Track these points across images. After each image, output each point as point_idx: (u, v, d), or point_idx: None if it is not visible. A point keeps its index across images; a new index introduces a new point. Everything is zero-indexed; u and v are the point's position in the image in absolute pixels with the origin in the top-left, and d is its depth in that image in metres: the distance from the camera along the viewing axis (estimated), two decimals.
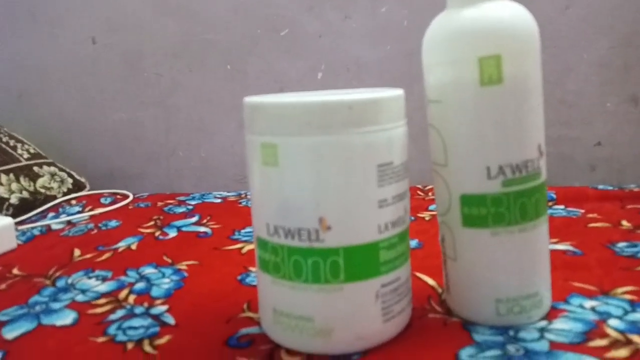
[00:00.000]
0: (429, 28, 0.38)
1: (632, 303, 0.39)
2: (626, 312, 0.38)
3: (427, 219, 0.63)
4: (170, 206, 0.77)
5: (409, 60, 0.86)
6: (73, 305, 0.45)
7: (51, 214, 0.76)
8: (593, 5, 0.77)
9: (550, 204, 0.65)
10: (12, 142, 0.89)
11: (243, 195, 0.82)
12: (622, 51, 0.77)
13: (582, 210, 0.62)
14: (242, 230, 0.63)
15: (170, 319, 0.41)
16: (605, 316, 0.38)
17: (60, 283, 0.50)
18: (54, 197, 0.83)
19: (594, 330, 0.36)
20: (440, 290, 0.44)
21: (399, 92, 0.36)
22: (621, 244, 0.51)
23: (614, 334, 0.35)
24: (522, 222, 0.36)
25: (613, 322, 0.37)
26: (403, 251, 0.37)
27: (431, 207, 0.68)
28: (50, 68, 1.03)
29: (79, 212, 0.76)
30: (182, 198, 0.82)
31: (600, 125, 0.80)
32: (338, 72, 0.90)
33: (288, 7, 0.90)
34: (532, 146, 0.36)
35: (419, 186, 0.79)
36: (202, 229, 0.65)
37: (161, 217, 0.71)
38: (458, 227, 0.38)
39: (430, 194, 0.74)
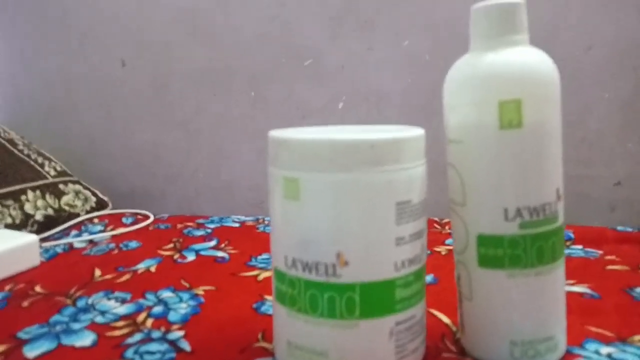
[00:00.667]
0: (451, 69, 0.39)
1: None
2: None
3: (443, 253, 0.63)
4: (189, 229, 0.78)
5: (429, 93, 0.87)
6: (92, 326, 0.46)
7: (74, 232, 0.78)
8: (616, 46, 0.77)
9: (568, 243, 0.65)
10: (40, 160, 0.91)
11: (261, 220, 0.83)
12: None
13: (601, 252, 0.61)
14: (259, 257, 0.64)
15: (186, 345, 0.42)
16: None
17: (81, 303, 0.51)
18: (77, 215, 0.85)
19: None
20: (454, 329, 0.44)
21: (419, 131, 0.37)
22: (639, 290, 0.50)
23: None
24: (539, 265, 0.37)
25: None
26: (419, 289, 0.37)
27: (448, 241, 0.68)
28: (79, 86, 1.07)
29: (101, 231, 0.78)
30: (201, 221, 0.83)
31: (621, 165, 0.79)
32: (359, 102, 0.91)
33: (313, 37, 0.92)
34: (551, 190, 0.37)
35: (436, 219, 0.79)
36: (220, 253, 0.66)
37: (180, 240, 0.72)
38: (474, 267, 0.38)
39: (447, 227, 0.74)
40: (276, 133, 0.37)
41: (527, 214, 0.36)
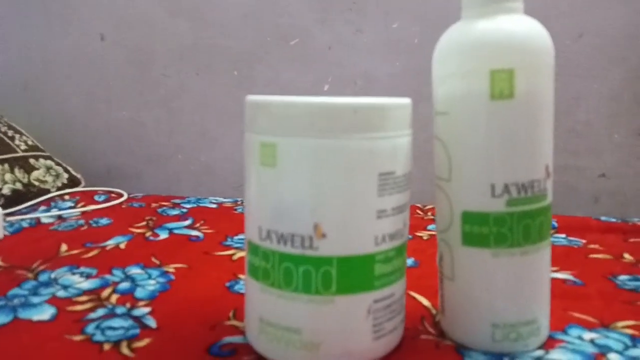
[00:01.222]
0: (442, 38, 0.37)
1: (633, 338, 0.37)
2: (627, 347, 0.36)
3: (425, 238, 0.62)
4: (164, 208, 0.76)
5: (417, 77, 0.85)
6: (53, 300, 0.43)
7: (42, 208, 0.75)
8: (607, 35, 0.76)
9: (551, 231, 0.64)
10: (10, 133, 0.88)
11: (239, 202, 0.80)
12: (633, 83, 0.76)
13: (584, 241, 0.60)
14: (235, 237, 0.62)
15: (152, 322, 0.40)
16: (605, 350, 0.36)
17: (43, 277, 0.48)
18: (47, 191, 0.82)
19: None
20: (434, 312, 0.42)
21: (406, 100, 0.35)
22: (623, 277, 0.49)
23: None
24: (525, 245, 0.35)
25: (613, 356, 0.35)
26: (399, 266, 0.35)
27: (430, 226, 0.66)
28: (57, 61, 1.03)
29: (71, 208, 0.74)
30: (177, 201, 0.81)
31: (607, 156, 0.79)
32: (345, 85, 0.89)
33: (300, 17, 0.89)
34: (540, 166, 0.35)
35: (419, 205, 0.77)
36: (194, 232, 0.63)
37: (154, 218, 0.69)
38: (458, 246, 0.36)
39: (429, 213, 0.72)
40: (254, 97, 0.35)
41: (515, 191, 0.34)
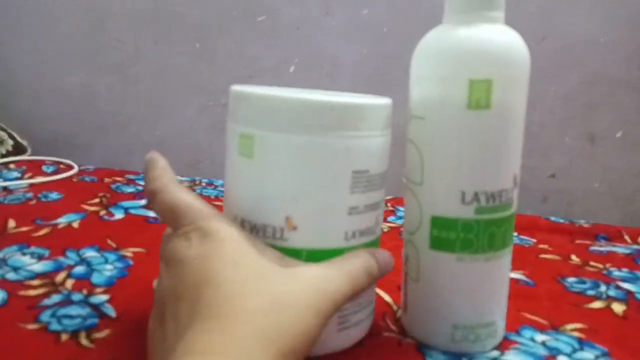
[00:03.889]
0: (422, 41, 0.37)
1: (580, 341, 0.40)
2: (575, 350, 0.38)
3: (385, 230, 0.63)
4: (118, 184, 0.73)
5: (383, 66, 0.85)
6: (3, 283, 0.41)
7: None
8: (567, 39, 0.78)
9: None
10: None
11: (197, 182, 0.79)
12: (588, 89, 0.79)
13: (534, 240, 0.63)
14: None
15: (111, 311, 0.39)
16: (555, 352, 0.38)
17: None
18: None
19: None
20: (395, 308, 0.43)
21: (384, 100, 0.35)
22: (571, 279, 0.52)
23: None
24: (489, 251, 0.36)
25: (562, 359, 0.37)
26: None
27: (390, 218, 0.67)
28: (1, 14, 0.96)
29: (17, 179, 0.70)
30: (131, 177, 0.78)
31: (557, 158, 0.82)
32: (311, 67, 0.88)
33: None
34: (509, 176, 0.36)
35: None
36: (152, 213, 0.62)
37: (107, 195, 0.67)
38: (425, 249, 0.37)
39: (389, 204, 0.73)
40: (239, 87, 0.34)
41: (484, 199, 0.35)
